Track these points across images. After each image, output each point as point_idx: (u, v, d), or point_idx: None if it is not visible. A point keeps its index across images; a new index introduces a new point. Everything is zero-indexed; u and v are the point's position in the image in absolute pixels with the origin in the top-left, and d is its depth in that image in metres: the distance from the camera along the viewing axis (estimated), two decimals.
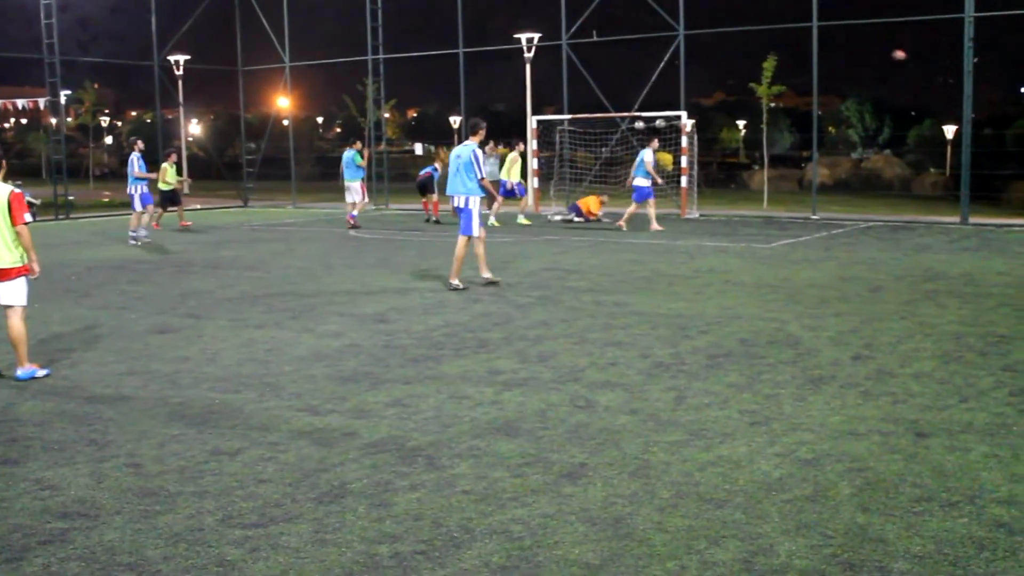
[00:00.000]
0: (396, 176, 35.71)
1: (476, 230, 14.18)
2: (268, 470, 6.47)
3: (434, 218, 27.51)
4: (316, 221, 29.08)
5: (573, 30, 30.91)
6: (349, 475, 6.33)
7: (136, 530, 5.51)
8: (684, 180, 27.81)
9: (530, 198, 29.94)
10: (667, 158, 30.99)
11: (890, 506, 5.65)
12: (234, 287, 15.02)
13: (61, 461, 6.74)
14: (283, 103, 42.01)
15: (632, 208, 23.86)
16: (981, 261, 17.03)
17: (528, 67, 31.96)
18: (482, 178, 14.03)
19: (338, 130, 79.15)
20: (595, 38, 31.35)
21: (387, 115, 36.52)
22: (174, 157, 25.88)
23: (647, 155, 23.28)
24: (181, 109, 40.82)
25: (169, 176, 25.15)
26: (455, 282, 14.18)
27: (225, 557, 5.13)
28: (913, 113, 64.23)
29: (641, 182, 23.19)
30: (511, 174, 26.06)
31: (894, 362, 9.27)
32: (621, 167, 31.02)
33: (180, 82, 38.32)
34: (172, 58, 37.48)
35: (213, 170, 49.88)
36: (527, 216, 26.27)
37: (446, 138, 64.79)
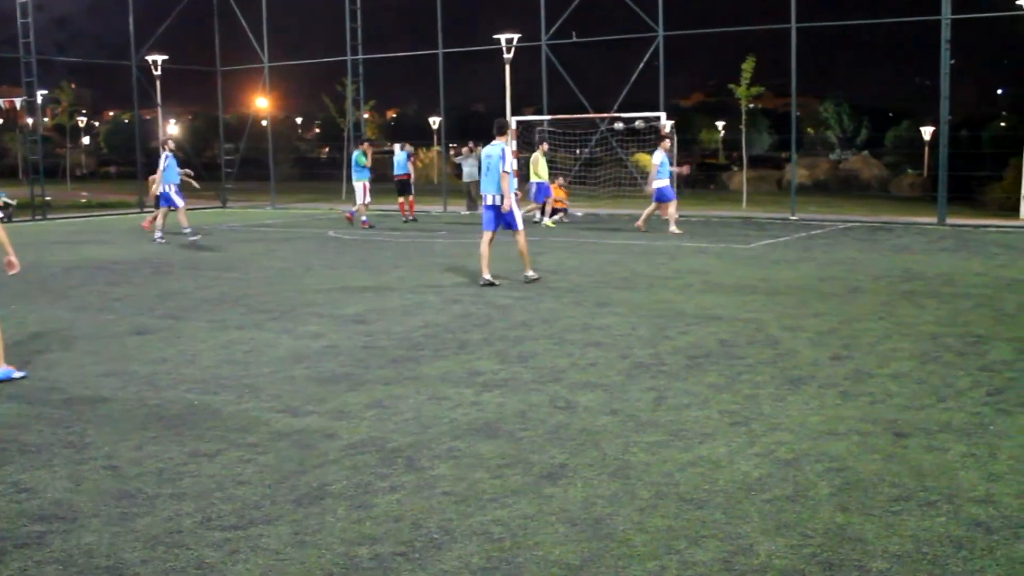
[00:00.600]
0: (376, 176, 35.50)
1: (520, 223, 14.79)
2: (247, 472, 6.44)
3: (411, 218, 27.52)
4: (295, 222, 29.01)
5: (552, 31, 30.94)
6: (329, 477, 6.31)
7: (114, 533, 5.48)
8: None
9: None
10: (645, 159, 31.06)
11: (869, 506, 5.67)
12: (213, 288, 14.97)
13: (38, 464, 6.69)
14: (262, 104, 41.96)
15: (672, 209, 23.58)
16: (959, 262, 17.12)
17: (507, 68, 31.97)
18: (505, 171, 14.37)
19: (317, 131, 79.07)
20: (574, 39, 31.38)
21: (366, 115, 36.50)
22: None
23: (656, 156, 23.27)
24: (159, 109, 40.58)
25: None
26: (530, 273, 14.85)
27: (204, 559, 5.11)
28: (891, 114, 64.62)
29: (662, 183, 23.12)
30: (539, 175, 26.01)
31: (872, 362, 9.30)
32: (601, 168, 31.11)
33: (158, 82, 38.10)
34: (150, 58, 37.24)
35: (191, 171, 49.70)
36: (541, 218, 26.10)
37: (426, 138, 64.75)
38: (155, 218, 23.88)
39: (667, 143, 24.04)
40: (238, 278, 16.13)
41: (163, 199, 22.78)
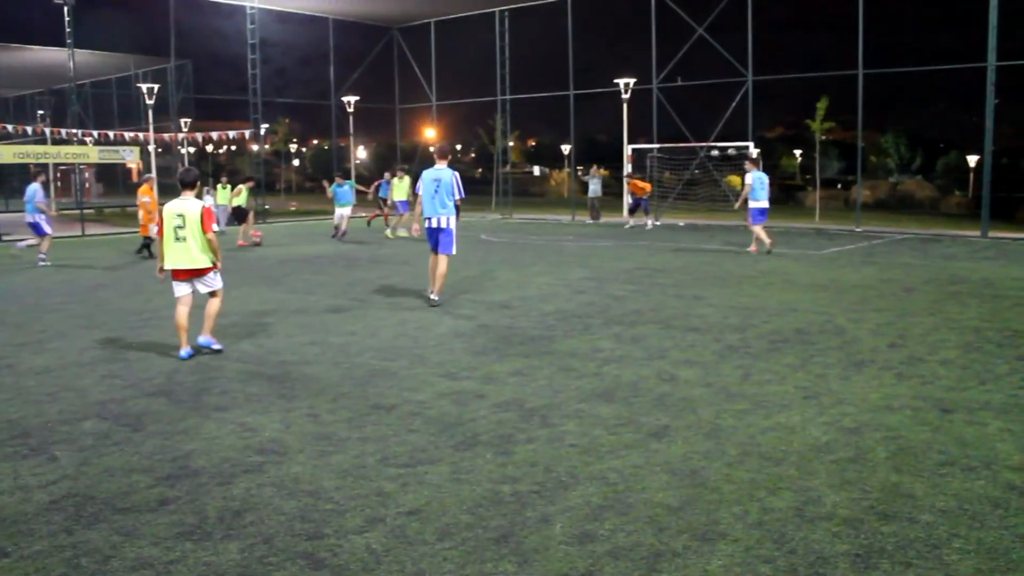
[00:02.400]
0: (518, 192, 35.75)
1: (455, 249, 12.11)
2: (416, 423, 6.55)
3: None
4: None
5: (662, 76, 30.58)
6: (479, 429, 6.38)
7: (315, 465, 5.63)
8: None
9: (625, 212, 29.72)
10: (736, 180, 30.44)
11: (919, 468, 5.48)
12: (391, 278, 15.21)
13: (259, 410, 6.92)
14: (430, 134, 42.44)
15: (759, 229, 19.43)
16: (999, 268, 16.36)
17: (625, 106, 31.69)
18: (460, 198, 11.89)
19: (473, 155, 79.61)
20: (679, 82, 30.97)
21: (511, 143, 36.68)
22: (251, 183, 23.62)
23: (763, 177, 19.26)
24: (351, 139, 41.47)
25: (234, 198, 23.00)
26: (435, 296, 12.13)
27: (383, 489, 5.22)
28: (941, 145, 62.08)
29: (754, 203, 18.92)
30: (398, 194, 23.99)
31: (923, 350, 8.97)
32: (699, 187, 30.65)
33: (351, 117, 38.93)
34: (345, 98, 38.07)
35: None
36: (398, 231, 24.40)
37: (558, 161, 64.75)
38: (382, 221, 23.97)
39: (748, 164, 20.01)
40: (410, 270, 16.36)
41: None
